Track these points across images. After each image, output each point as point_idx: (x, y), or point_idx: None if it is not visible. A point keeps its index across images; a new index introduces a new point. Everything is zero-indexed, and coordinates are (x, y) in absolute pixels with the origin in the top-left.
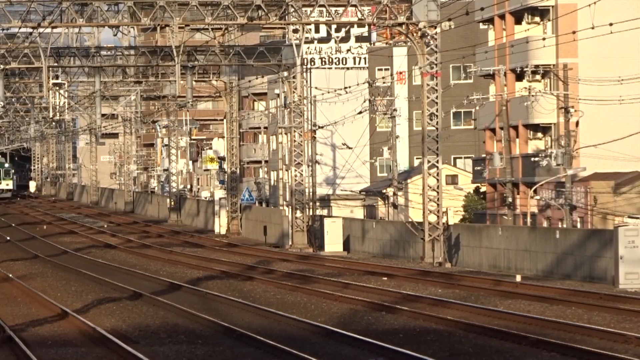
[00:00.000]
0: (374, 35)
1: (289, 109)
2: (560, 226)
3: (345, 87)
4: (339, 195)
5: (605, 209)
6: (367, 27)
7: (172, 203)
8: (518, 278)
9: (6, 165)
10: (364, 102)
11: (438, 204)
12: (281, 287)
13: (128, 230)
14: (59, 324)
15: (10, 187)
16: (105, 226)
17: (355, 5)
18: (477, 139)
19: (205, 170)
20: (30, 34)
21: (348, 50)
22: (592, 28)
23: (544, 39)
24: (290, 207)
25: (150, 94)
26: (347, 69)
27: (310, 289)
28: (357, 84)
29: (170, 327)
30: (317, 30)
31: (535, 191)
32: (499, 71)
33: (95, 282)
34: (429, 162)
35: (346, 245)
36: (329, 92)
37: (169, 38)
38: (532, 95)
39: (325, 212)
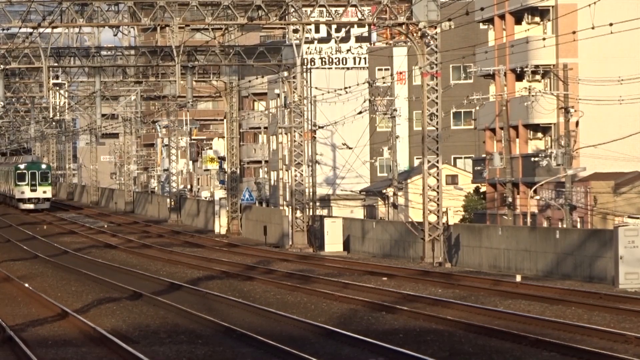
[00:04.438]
0: (374, 35)
1: (289, 109)
2: (560, 226)
3: (345, 87)
4: (339, 195)
5: (605, 209)
6: (367, 27)
7: (172, 203)
8: (518, 278)
9: (43, 166)
10: (364, 102)
11: (438, 204)
12: (281, 287)
13: (128, 230)
14: (59, 324)
15: (49, 195)
16: (106, 226)
17: (355, 5)
18: (477, 139)
19: (205, 170)
20: (31, 34)
21: (348, 51)
22: (592, 28)
23: (544, 39)
24: (290, 207)
25: (150, 94)
26: (347, 69)
27: (310, 289)
28: (357, 84)
29: (170, 327)
30: (317, 30)
31: (535, 191)
32: (499, 71)
33: (96, 282)
34: (429, 162)
35: (346, 245)
36: (329, 92)
37: (169, 38)
38: (532, 95)
39: (325, 212)
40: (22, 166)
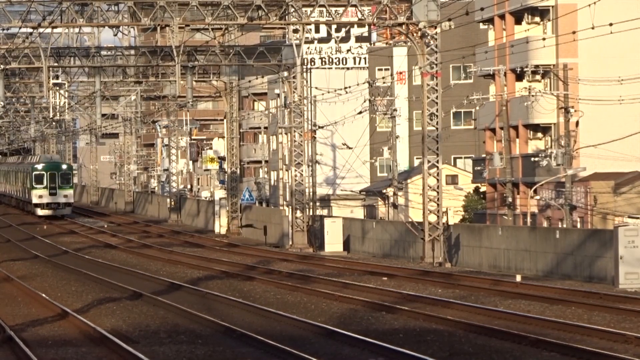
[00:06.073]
0: (374, 35)
1: (289, 109)
2: (560, 226)
3: (345, 87)
4: (339, 195)
5: (605, 209)
6: (367, 27)
7: (172, 203)
8: (518, 278)
9: (64, 166)
10: (364, 102)
11: (438, 204)
12: (281, 287)
13: (128, 230)
14: (59, 324)
15: (70, 199)
16: (106, 226)
17: (355, 5)
18: (477, 139)
19: (205, 170)
20: (31, 34)
21: (348, 50)
22: (592, 28)
23: (544, 39)
24: (290, 207)
25: (150, 94)
26: (347, 69)
27: (310, 288)
28: (357, 84)
29: (170, 327)
30: (317, 30)
31: (535, 191)
32: (499, 71)
33: (96, 282)
34: (429, 162)
35: (346, 245)
36: (329, 92)
37: (169, 38)
38: (532, 95)
39: (325, 212)
40: (39, 167)
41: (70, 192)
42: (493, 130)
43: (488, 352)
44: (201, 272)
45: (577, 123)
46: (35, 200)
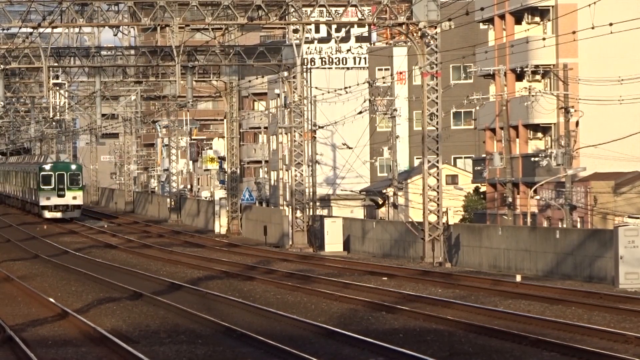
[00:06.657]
0: (374, 35)
1: (289, 109)
2: (560, 226)
3: (345, 87)
4: (339, 195)
5: (605, 209)
6: (367, 27)
7: (173, 203)
8: (518, 278)
9: (73, 166)
10: (364, 102)
11: (438, 204)
12: (281, 287)
13: (128, 230)
14: (59, 324)
15: (80, 201)
16: (106, 226)
17: (355, 5)
18: (477, 139)
19: (205, 170)
20: (31, 34)
21: (348, 50)
22: (592, 28)
23: (544, 39)
24: (290, 207)
25: (151, 94)
26: (347, 69)
27: (311, 288)
28: (357, 84)
29: (171, 327)
30: (317, 30)
31: (535, 191)
32: (499, 71)
33: (96, 282)
34: (429, 162)
35: (346, 245)
36: (329, 92)
37: (169, 38)
38: (532, 95)
39: (325, 212)
40: (47, 167)
41: (80, 193)
42: (493, 130)
43: (488, 352)
44: (201, 272)
45: (577, 123)
46: (42, 202)
